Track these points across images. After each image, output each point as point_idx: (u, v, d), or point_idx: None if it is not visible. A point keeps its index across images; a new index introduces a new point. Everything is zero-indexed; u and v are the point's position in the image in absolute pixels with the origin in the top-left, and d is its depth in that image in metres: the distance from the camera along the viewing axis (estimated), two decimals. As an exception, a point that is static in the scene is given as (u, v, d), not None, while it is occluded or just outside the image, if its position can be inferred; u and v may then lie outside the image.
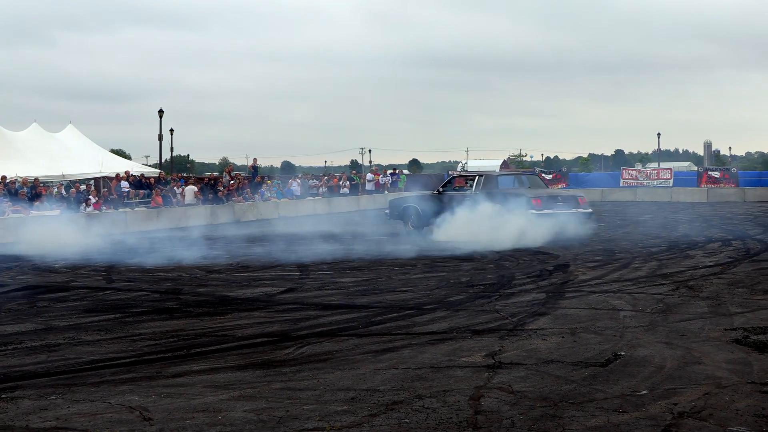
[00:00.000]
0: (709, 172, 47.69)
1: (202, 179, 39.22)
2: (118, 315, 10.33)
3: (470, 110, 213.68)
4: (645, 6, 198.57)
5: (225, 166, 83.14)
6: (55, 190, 28.86)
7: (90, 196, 27.66)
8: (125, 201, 30.08)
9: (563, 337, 8.40)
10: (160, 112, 52.13)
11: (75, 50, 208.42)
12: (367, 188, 43.18)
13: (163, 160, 59.23)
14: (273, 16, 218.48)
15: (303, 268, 15.10)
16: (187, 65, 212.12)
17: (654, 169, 52.68)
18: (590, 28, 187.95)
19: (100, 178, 35.48)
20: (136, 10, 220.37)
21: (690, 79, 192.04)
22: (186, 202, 31.50)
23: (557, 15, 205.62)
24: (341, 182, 42.13)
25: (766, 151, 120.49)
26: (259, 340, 8.61)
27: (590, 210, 21.83)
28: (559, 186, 47.42)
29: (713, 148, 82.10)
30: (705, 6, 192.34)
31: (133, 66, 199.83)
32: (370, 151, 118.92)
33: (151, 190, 31.10)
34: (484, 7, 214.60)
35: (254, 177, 37.96)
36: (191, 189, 32.11)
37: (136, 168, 40.02)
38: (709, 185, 45.43)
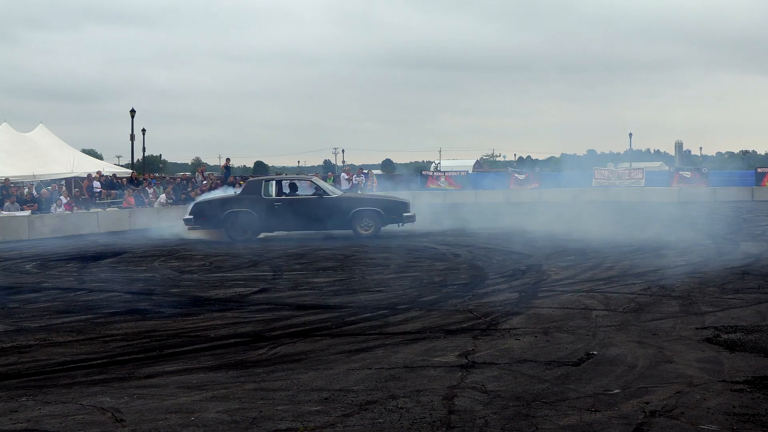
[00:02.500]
0: (680, 173, 48.03)
1: (174, 179, 39.00)
2: (89, 316, 10.26)
3: (442, 110, 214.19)
4: (610, 6, 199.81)
5: (197, 166, 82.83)
6: (26, 190, 28.60)
7: (61, 197, 27.45)
8: (97, 201, 29.87)
9: (536, 337, 8.43)
10: (132, 111, 51.80)
11: (39, 49, 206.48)
12: (342, 187, 43.13)
13: (135, 160, 58.89)
14: (239, 15, 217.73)
15: (277, 269, 15.07)
16: (154, 64, 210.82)
17: (626, 169, 52.95)
18: (558, 29, 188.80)
19: (71, 178, 35.20)
20: (98, 9, 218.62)
21: (659, 79, 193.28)
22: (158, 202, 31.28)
23: (524, 15, 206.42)
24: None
25: (736, 151, 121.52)
26: (232, 340, 8.58)
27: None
28: (531, 186, 47.60)
29: (684, 148, 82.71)
30: (669, 6, 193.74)
31: (100, 65, 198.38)
32: (343, 151, 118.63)
33: (122, 191, 30.90)
34: (452, 8, 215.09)
35: (227, 177, 37.79)
36: (162, 197, 31.85)
37: (107, 168, 39.75)
38: (681, 185, 45.76)
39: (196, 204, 23.37)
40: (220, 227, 21.95)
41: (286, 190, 22.56)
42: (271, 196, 22.00)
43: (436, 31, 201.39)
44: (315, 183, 22.95)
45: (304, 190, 22.57)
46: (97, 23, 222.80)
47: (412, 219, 22.37)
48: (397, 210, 22.29)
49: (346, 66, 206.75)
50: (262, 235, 22.19)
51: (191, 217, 22.34)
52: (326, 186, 23.31)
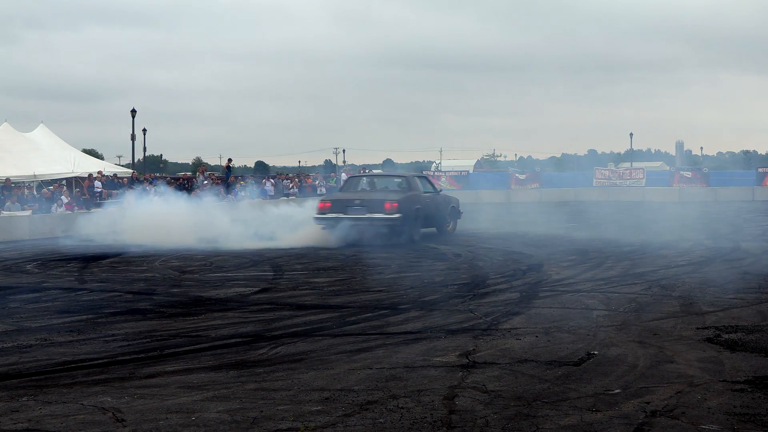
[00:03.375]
0: (681, 172, 48.03)
1: (176, 179, 39.01)
2: (90, 316, 10.26)
3: (443, 110, 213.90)
4: (611, 6, 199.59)
5: (198, 166, 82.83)
6: (27, 190, 28.62)
7: (62, 197, 27.45)
8: (98, 201, 29.88)
9: (537, 337, 8.43)
10: (133, 111, 51.76)
11: (38, 48, 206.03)
12: (343, 187, 43.08)
13: (136, 160, 58.90)
14: (237, 15, 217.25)
15: (278, 269, 15.07)
16: (154, 64, 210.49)
17: (627, 169, 52.97)
18: (557, 28, 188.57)
19: (72, 178, 35.22)
20: (96, 9, 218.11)
21: (659, 79, 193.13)
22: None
23: (525, 15, 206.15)
24: (317, 182, 42.03)
25: (737, 151, 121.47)
26: (233, 340, 8.58)
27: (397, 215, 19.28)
28: (532, 186, 47.59)
29: (685, 148, 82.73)
30: (668, 6, 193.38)
31: (99, 65, 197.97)
32: (344, 150, 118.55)
33: (123, 190, 30.90)
34: (452, 7, 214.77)
35: (228, 177, 37.82)
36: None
37: (108, 168, 39.76)
38: (681, 185, 45.77)
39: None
40: None
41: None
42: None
43: (437, 31, 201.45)
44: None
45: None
46: (96, 23, 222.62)
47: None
48: (457, 206, 22.35)
49: (347, 66, 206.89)
50: None
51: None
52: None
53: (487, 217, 28.29)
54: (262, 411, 5.94)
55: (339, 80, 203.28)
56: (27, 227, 24.02)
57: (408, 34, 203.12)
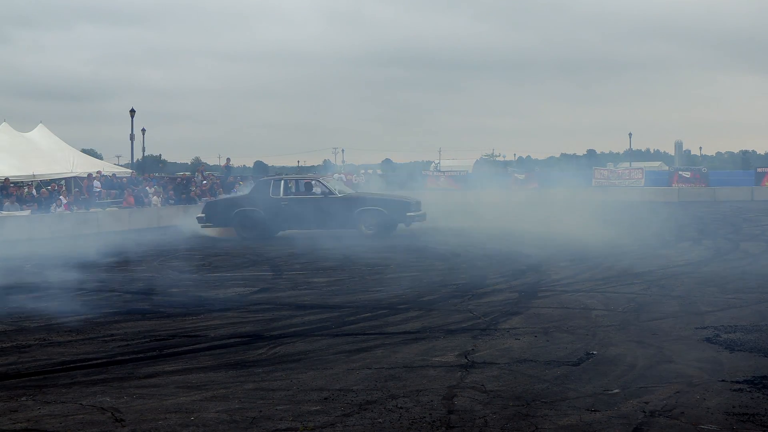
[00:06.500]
0: (680, 172, 48.04)
1: (174, 179, 39.00)
2: (89, 316, 10.25)
3: (441, 110, 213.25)
4: (610, 5, 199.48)
5: (197, 166, 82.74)
6: (26, 190, 28.58)
7: (61, 197, 27.43)
8: (97, 201, 29.85)
9: (536, 337, 8.44)
10: (132, 111, 51.73)
11: (30, 48, 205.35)
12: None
13: (135, 160, 58.87)
14: (230, 14, 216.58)
15: (277, 269, 15.07)
16: (148, 64, 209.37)
17: (625, 169, 52.97)
18: (553, 28, 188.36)
19: (71, 178, 35.18)
20: (88, 8, 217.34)
21: (657, 78, 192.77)
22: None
23: (524, 14, 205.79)
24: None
25: (736, 151, 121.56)
26: (232, 340, 8.58)
27: None
28: (531, 186, 47.58)
29: (684, 148, 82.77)
30: (668, 5, 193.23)
31: (94, 64, 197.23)
32: (342, 150, 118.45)
33: (122, 191, 30.90)
34: (451, 7, 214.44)
35: (227, 177, 37.79)
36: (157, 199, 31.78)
37: (107, 168, 39.70)
38: (680, 185, 45.76)
39: (207, 204, 24.34)
40: (229, 225, 22.47)
41: (293, 189, 22.74)
42: (279, 195, 22.28)
43: (436, 31, 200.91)
44: (321, 182, 23.00)
45: (312, 190, 22.60)
46: (87, 22, 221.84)
47: (420, 218, 22.22)
48: (401, 210, 22.16)
49: (346, 65, 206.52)
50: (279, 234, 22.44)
51: (203, 215, 23.01)
52: (334, 185, 23.28)
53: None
54: (261, 411, 5.95)
55: (338, 80, 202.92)
56: (26, 227, 23.99)
57: (406, 33, 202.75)
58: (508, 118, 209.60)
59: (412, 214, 22.10)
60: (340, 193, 22.63)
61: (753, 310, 9.88)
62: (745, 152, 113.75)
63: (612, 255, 15.95)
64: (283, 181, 23.11)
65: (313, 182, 23.17)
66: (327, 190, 22.36)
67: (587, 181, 48.77)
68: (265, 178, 26.07)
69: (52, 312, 10.50)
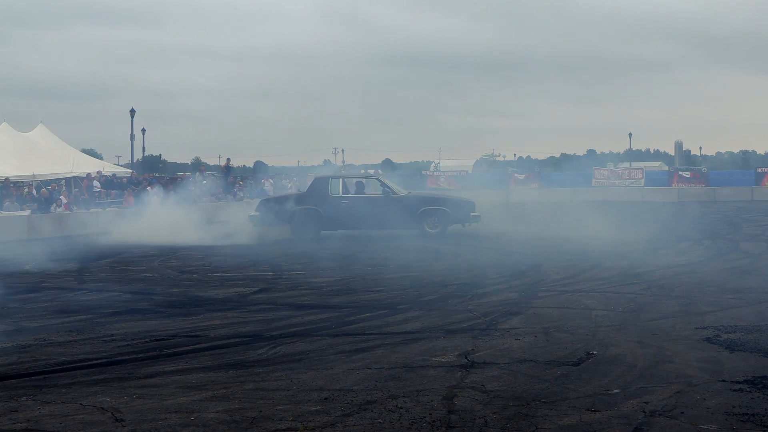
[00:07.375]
0: (680, 172, 48.05)
1: (173, 179, 39.00)
2: (89, 316, 10.25)
3: (440, 109, 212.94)
4: (610, 5, 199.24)
5: (198, 166, 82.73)
6: (26, 190, 28.57)
7: (61, 197, 27.43)
8: (97, 201, 29.85)
9: (536, 337, 8.44)
10: (132, 111, 51.74)
11: (29, 48, 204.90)
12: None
13: (135, 160, 58.87)
14: (229, 15, 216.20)
15: (277, 269, 15.07)
16: (148, 64, 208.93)
17: (625, 169, 52.99)
18: (553, 28, 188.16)
19: (71, 178, 35.17)
20: (88, 7, 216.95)
21: (656, 78, 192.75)
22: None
23: (523, 14, 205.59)
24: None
25: (736, 152, 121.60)
26: (232, 340, 8.58)
27: None
28: (532, 186, 47.61)
29: (684, 148, 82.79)
30: (668, 5, 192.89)
31: (93, 64, 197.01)
32: (343, 151, 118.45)
33: (122, 190, 30.90)
34: (450, 6, 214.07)
35: (227, 177, 37.77)
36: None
37: (107, 168, 39.71)
38: (681, 185, 45.79)
39: (263, 201, 23.49)
40: (286, 224, 21.98)
41: (353, 188, 22.57)
42: (338, 194, 21.86)
43: (436, 31, 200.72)
44: (382, 182, 22.87)
45: (371, 189, 22.42)
46: (87, 22, 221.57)
47: (478, 219, 22.03)
48: (464, 209, 22.06)
49: (346, 65, 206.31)
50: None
51: (257, 213, 22.32)
52: (393, 185, 23.04)
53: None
54: (261, 411, 5.95)
55: (338, 80, 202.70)
56: (26, 227, 23.98)
57: (407, 33, 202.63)
58: (508, 118, 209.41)
59: (475, 214, 22.02)
60: (401, 193, 22.34)
61: (753, 310, 9.88)
62: (745, 152, 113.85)
63: (612, 254, 15.94)
64: (342, 180, 22.68)
65: (373, 181, 23.00)
66: (389, 190, 22.10)
67: (587, 181, 48.80)
68: (322, 175, 25.43)
69: (53, 312, 10.51)
